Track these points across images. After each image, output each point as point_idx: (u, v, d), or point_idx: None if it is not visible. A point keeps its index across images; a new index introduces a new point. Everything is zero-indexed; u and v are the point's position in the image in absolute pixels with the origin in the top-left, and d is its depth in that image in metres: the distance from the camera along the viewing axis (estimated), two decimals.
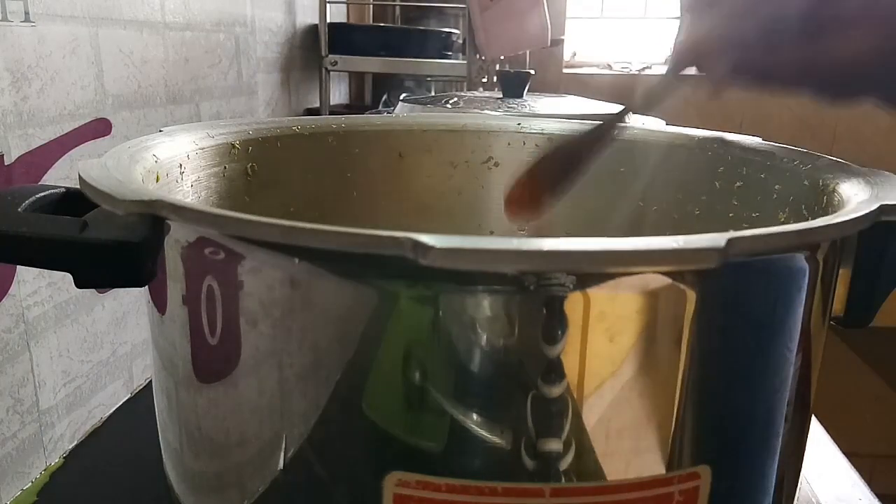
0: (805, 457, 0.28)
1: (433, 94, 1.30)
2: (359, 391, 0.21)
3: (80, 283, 0.23)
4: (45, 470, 0.43)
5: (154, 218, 0.22)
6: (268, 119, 0.57)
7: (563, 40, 1.50)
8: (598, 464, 0.21)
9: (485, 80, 1.19)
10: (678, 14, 0.33)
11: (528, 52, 1.47)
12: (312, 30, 1.23)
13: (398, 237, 0.17)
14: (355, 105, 1.57)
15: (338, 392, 0.21)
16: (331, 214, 0.42)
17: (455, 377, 0.20)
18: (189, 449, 0.26)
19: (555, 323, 0.19)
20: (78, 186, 0.24)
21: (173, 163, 0.32)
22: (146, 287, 0.25)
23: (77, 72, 0.46)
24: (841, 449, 0.45)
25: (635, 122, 0.62)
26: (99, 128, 0.49)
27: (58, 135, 0.44)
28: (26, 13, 0.41)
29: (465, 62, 1.16)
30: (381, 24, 1.58)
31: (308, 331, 0.21)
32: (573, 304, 0.19)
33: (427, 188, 0.45)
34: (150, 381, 0.28)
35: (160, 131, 0.33)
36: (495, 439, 0.20)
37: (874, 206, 0.23)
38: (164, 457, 0.28)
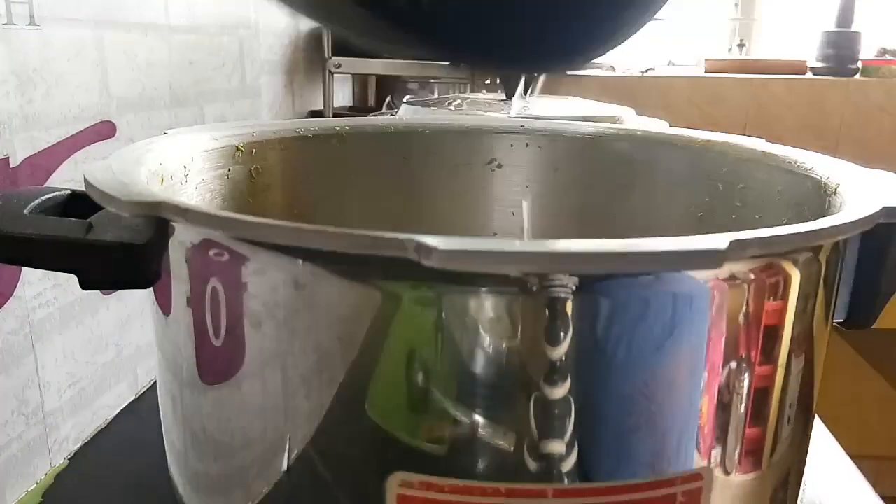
0: (808, 458, 0.28)
1: (436, 96, 1.30)
2: (362, 392, 0.21)
3: (85, 285, 0.23)
4: (49, 471, 0.44)
5: (159, 220, 0.22)
6: (271, 121, 0.57)
7: None
8: (601, 465, 0.21)
9: (488, 82, 1.19)
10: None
11: None
12: (316, 32, 1.23)
13: (401, 239, 0.17)
14: (359, 107, 1.57)
15: (341, 393, 0.21)
16: (334, 216, 0.42)
17: (458, 378, 0.20)
18: (194, 450, 0.26)
19: (557, 324, 0.19)
20: (83, 189, 0.24)
21: (178, 165, 0.32)
22: (151, 289, 0.25)
23: (82, 75, 0.46)
24: (845, 451, 0.45)
25: (639, 123, 0.62)
26: (103, 130, 0.49)
27: (63, 137, 0.44)
28: (31, 16, 0.41)
29: None
30: None
31: (312, 332, 0.21)
32: (576, 306, 0.19)
33: (430, 190, 0.45)
34: (155, 383, 0.28)
35: (165, 134, 0.33)
36: (498, 440, 0.20)
37: (877, 208, 0.23)
38: (168, 458, 0.28)
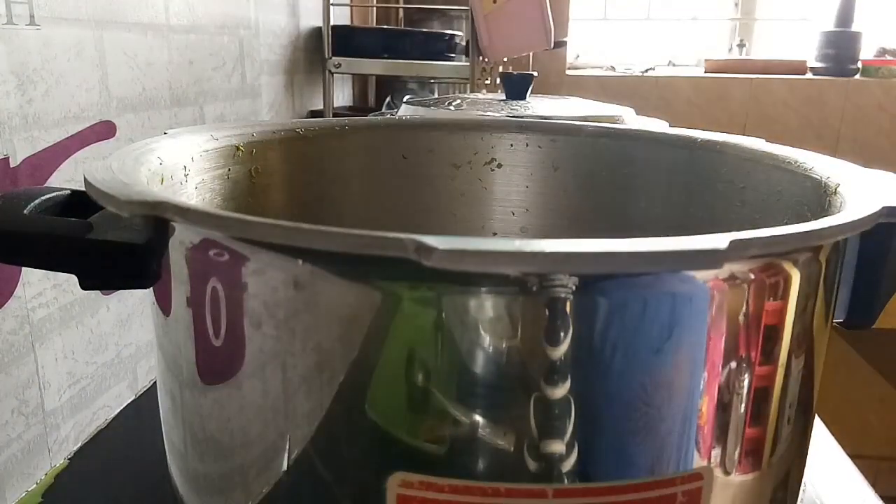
0: (809, 459, 0.28)
1: (436, 95, 1.30)
2: (362, 392, 0.21)
3: (84, 285, 0.23)
4: (49, 471, 0.44)
5: (159, 220, 0.22)
6: (271, 121, 0.57)
7: (565, 42, 1.50)
8: (601, 465, 0.21)
9: (487, 82, 1.19)
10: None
11: (531, 54, 1.47)
12: (316, 32, 1.23)
13: (401, 238, 0.17)
14: (359, 107, 1.57)
15: (341, 393, 0.21)
16: (334, 216, 0.42)
17: (458, 378, 0.20)
18: (193, 450, 0.26)
19: (557, 324, 0.19)
20: (83, 188, 0.24)
21: (178, 165, 0.32)
22: (151, 289, 0.25)
23: (82, 74, 0.46)
24: (845, 451, 0.45)
25: (639, 123, 0.62)
26: (103, 130, 0.49)
27: (63, 137, 0.44)
28: (31, 16, 0.41)
29: (468, 64, 1.16)
30: (385, 27, 1.58)
31: (311, 332, 0.21)
32: (576, 306, 0.19)
33: (430, 189, 0.45)
34: (155, 383, 0.28)
35: (165, 134, 0.33)
36: (498, 440, 0.20)
37: (877, 208, 0.23)
38: (168, 458, 0.28)
